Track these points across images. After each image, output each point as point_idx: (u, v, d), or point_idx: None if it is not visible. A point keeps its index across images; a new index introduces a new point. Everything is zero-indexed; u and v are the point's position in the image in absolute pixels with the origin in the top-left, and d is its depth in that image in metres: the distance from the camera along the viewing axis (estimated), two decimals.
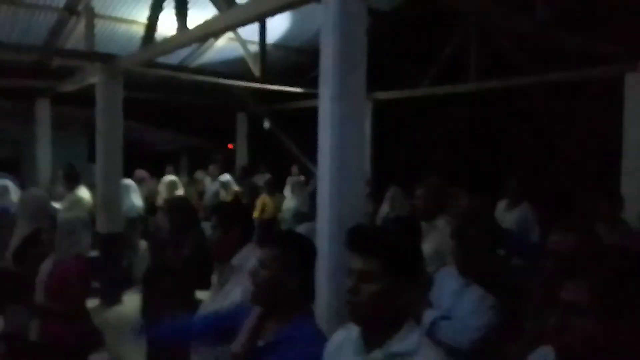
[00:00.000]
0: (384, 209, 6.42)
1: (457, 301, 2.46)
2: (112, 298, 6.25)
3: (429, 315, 2.42)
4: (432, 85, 8.29)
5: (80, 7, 6.82)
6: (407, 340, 1.44)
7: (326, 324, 3.08)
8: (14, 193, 7.07)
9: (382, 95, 9.11)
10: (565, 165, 7.81)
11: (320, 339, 1.76)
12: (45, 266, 3.41)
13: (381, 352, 1.44)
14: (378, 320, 1.46)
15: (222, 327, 2.08)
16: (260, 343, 1.79)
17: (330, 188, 3.21)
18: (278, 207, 7.88)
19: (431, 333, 2.31)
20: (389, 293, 1.43)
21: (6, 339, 3.64)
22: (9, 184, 7.19)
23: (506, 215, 5.33)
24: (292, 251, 1.83)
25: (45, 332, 3.28)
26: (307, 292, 1.92)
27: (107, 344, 4.22)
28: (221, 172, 9.73)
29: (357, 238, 1.50)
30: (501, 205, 5.54)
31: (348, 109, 3.19)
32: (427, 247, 3.25)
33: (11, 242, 4.12)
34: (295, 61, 9.48)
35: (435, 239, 3.46)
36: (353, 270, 1.47)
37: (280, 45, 8.95)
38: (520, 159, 8.17)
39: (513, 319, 2.35)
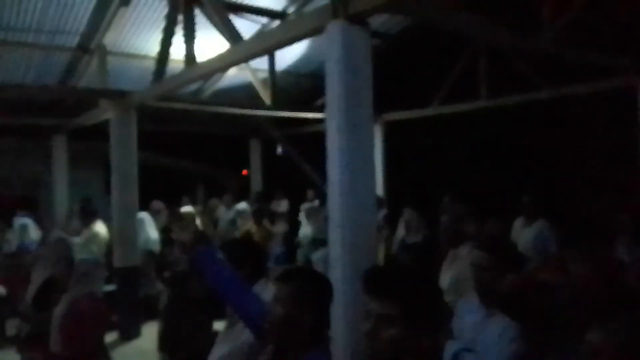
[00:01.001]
0: (400, 232, 6.37)
1: (479, 333, 2.39)
2: (130, 331, 6.26)
3: (450, 347, 2.35)
4: (442, 104, 8.27)
5: (92, 46, 7.00)
6: None
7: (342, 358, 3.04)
8: (33, 231, 7.22)
9: (392, 116, 9.11)
10: (582, 179, 7.68)
11: None
12: (60, 308, 3.42)
13: None
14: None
15: (252, 311, 2.10)
16: None
17: (340, 214, 3.19)
18: (265, 236, 7.65)
19: None
20: (409, 338, 1.38)
21: None
22: (28, 222, 7.35)
23: (523, 232, 5.26)
24: (307, 288, 1.81)
25: None
26: (323, 328, 1.88)
27: None
28: (236, 200, 9.76)
29: (374, 281, 1.46)
30: (518, 223, 5.47)
31: (355, 139, 3.19)
32: (449, 275, 3.21)
33: (29, 287, 4.16)
34: (306, 86, 9.56)
35: (457, 267, 3.41)
36: (371, 313, 1.42)
37: (290, 71, 9.04)
38: (535, 175, 8.06)
39: (539, 348, 2.27)
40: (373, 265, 2.24)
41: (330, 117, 3.26)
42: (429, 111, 8.46)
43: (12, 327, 5.73)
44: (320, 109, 8.63)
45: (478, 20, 4.24)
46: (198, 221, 7.99)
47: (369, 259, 3.20)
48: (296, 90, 9.55)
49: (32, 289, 4.07)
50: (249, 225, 7.62)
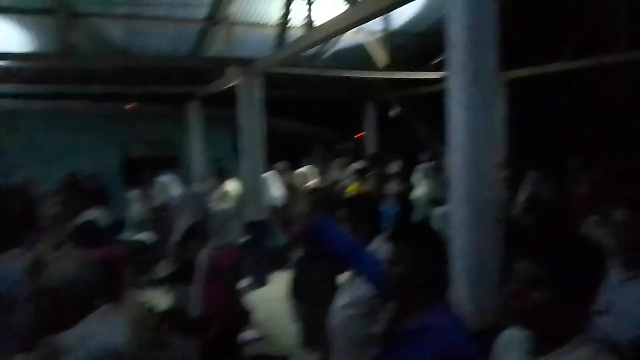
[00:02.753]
0: (522, 194, 6.12)
1: (619, 295, 2.30)
2: (260, 280, 6.84)
3: None
4: (572, 59, 7.61)
5: (219, 16, 7.48)
6: (576, 353, 1.33)
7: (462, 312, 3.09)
8: (175, 187, 8.09)
9: (515, 73, 8.60)
10: None
11: (461, 329, 1.77)
12: (203, 254, 3.88)
13: None
14: (544, 329, 1.37)
15: (376, 270, 2.18)
16: (400, 330, 1.82)
17: (462, 173, 3.17)
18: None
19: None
20: (558, 303, 1.33)
21: (173, 315, 4.20)
22: (171, 179, 8.24)
23: None
24: (424, 244, 1.83)
25: (204, 309, 3.74)
26: (442, 281, 1.91)
27: (256, 322, 4.69)
28: (351, 162, 9.99)
29: (526, 242, 1.42)
30: None
31: (478, 96, 3.12)
32: None
33: (173, 235, 4.72)
34: (422, 45, 9.33)
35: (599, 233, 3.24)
36: (519, 273, 1.38)
37: (405, 31, 8.89)
38: None
39: None
40: (526, 225, 2.20)
41: (452, 73, 3.21)
42: (557, 66, 7.85)
43: (160, 271, 6.55)
44: (437, 68, 8.44)
45: None
46: (316, 180, 8.37)
47: (492, 218, 3.17)
48: (411, 50, 9.37)
49: (176, 236, 4.63)
50: (357, 185, 7.85)
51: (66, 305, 1.79)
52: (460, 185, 3.20)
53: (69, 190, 5.02)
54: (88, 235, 3.21)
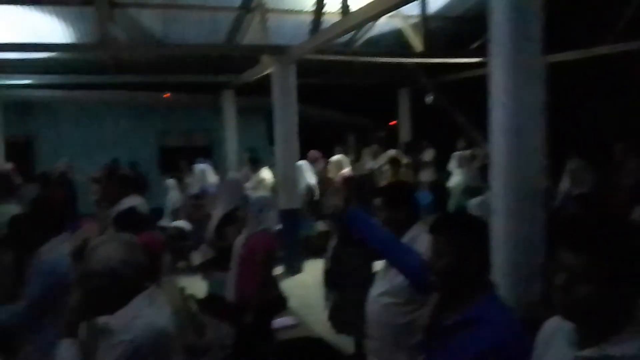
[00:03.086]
0: (564, 184, 5.94)
1: None
2: (294, 266, 6.89)
3: None
4: (618, 42, 7.29)
5: (253, 4, 7.48)
6: (626, 344, 1.27)
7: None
8: (211, 176, 8.20)
9: (557, 57, 8.30)
10: None
11: (512, 319, 1.71)
12: (239, 240, 3.91)
13: (596, 352, 1.30)
14: (593, 321, 1.31)
15: (411, 262, 2.18)
16: (447, 322, 1.76)
17: (505, 160, 3.10)
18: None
19: None
20: (606, 295, 1.26)
21: (210, 300, 4.27)
22: (207, 168, 8.35)
23: None
24: (467, 234, 1.78)
25: (240, 295, 3.78)
26: (487, 272, 1.85)
27: (290, 308, 4.72)
28: (384, 150, 9.89)
29: (572, 231, 1.35)
30: None
31: (522, 80, 3.04)
32: None
33: (211, 220, 4.79)
34: (459, 30, 9.12)
35: None
36: (563, 265, 1.31)
37: (441, 15, 8.70)
38: None
39: None
40: (570, 214, 2.14)
41: (495, 57, 3.13)
42: (600, 50, 7.53)
43: (197, 258, 6.66)
44: (475, 53, 8.23)
45: None
46: (349, 169, 8.33)
47: (535, 207, 3.09)
48: (448, 34, 9.17)
49: (213, 223, 4.69)
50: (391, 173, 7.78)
51: (114, 287, 1.82)
52: (501, 173, 3.13)
53: (109, 178, 5.14)
54: (130, 221, 3.27)
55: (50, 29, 7.40)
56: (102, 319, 1.83)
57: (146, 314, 1.81)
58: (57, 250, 2.79)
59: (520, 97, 3.05)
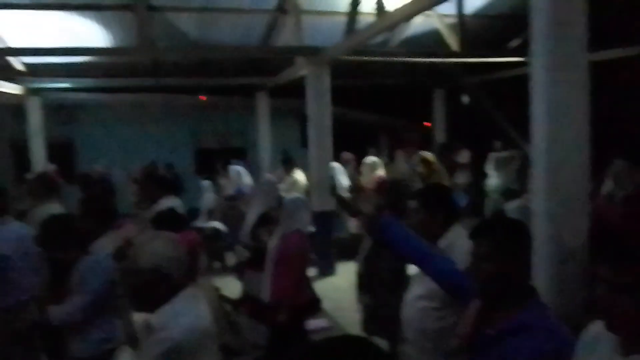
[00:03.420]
0: (607, 186, 5.71)
1: None
2: (327, 269, 6.86)
3: None
4: None
5: (288, 6, 7.51)
6: None
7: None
8: (245, 176, 8.29)
9: (601, 55, 8.02)
10: None
11: (558, 326, 1.66)
12: (273, 240, 3.92)
13: None
14: (635, 331, 1.31)
15: (445, 271, 2.16)
16: (490, 331, 1.72)
17: (546, 161, 3.01)
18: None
19: None
20: None
21: (245, 301, 4.30)
22: (241, 169, 8.45)
23: None
24: (510, 238, 1.73)
25: (274, 295, 3.78)
26: (529, 280, 1.80)
27: (323, 310, 4.71)
28: (418, 151, 9.74)
29: (607, 246, 1.34)
30: None
31: (564, 81, 2.95)
32: None
33: (246, 221, 4.82)
34: (497, 29, 8.94)
35: None
36: (603, 279, 1.31)
37: (478, 14, 8.53)
38: None
39: None
40: (601, 226, 2.05)
41: (535, 57, 3.05)
42: None
43: (231, 258, 6.73)
44: (514, 52, 8.04)
45: None
46: (382, 171, 8.24)
47: (578, 211, 2.98)
48: (486, 33, 8.99)
49: (248, 224, 4.72)
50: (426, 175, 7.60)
51: (158, 284, 1.85)
52: (543, 176, 3.04)
53: (147, 180, 5.25)
54: (168, 220, 3.33)
55: (90, 33, 7.62)
56: (145, 316, 1.86)
57: (188, 311, 1.85)
58: (105, 248, 2.87)
59: (562, 96, 2.96)
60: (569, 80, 2.96)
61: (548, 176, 3.00)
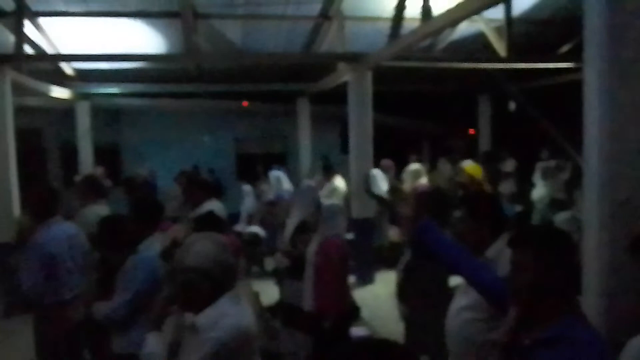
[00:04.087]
0: None
1: None
2: (366, 277, 6.78)
3: None
4: None
5: (331, 12, 7.51)
6: None
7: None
8: (286, 182, 8.32)
9: None
10: None
11: (596, 339, 1.60)
12: (312, 247, 3.89)
13: None
14: None
15: (486, 280, 2.12)
16: (526, 341, 1.68)
17: (600, 170, 2.85)
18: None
19: None
20: None
21: (284, 307, 4.28)
22: (281, 175, 8.49)
23: None
24: (551, 248, 1.68)
25: (317, 302, 3.74)
26: (572, 289, 1.77)
27: (362, 319, 4.64)
28: (462, 159, 9.53)
29: None
30: None
31: (619, 88, 2.77)
32: None
33: (286, 228, 4.82)
34: (542, 34, 8.67)
35: None
36: None
37: (526, 19, 8.30)
38: None
39: None
40: None
41: (588, 63, 2.90)
42: None
43: (270, 263, 6.75)
44: (564, 57, 7.77)
45: None
46: (425, 179, 8.09)
47: (632, 220, 2.81)
48: (535, 38, 8.73)
49: (288, 230, 4.70)
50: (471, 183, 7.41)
51: (205, 284, 1.86)
52: (596, 185, 2.88)
53: (189, 184, 5.34)
54: (210, 223, 3.35)
55: (138, 40, 7.84)
56: (190, 316, 1.87)
57: (233, 313, 1.86)
58: (153, 248, 2.93)
59: (617, 102, 2.80)
60: (624, 85, 2.80)
61: (601, 185, 2.84)
